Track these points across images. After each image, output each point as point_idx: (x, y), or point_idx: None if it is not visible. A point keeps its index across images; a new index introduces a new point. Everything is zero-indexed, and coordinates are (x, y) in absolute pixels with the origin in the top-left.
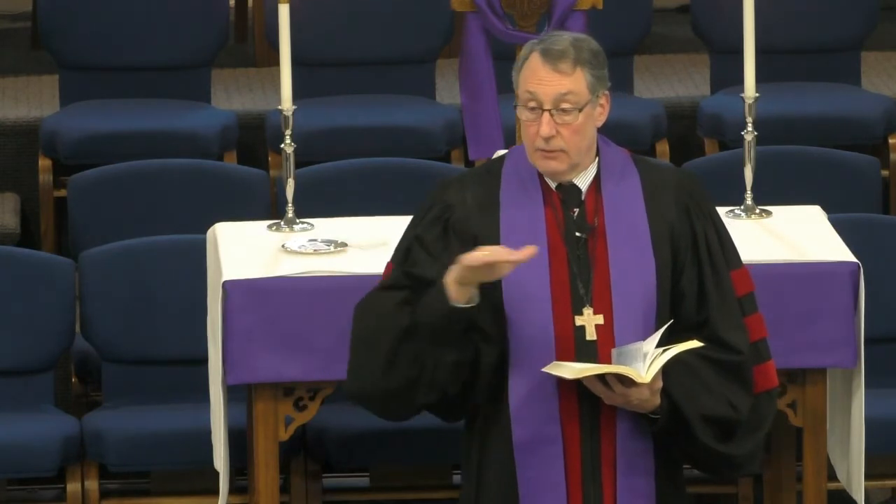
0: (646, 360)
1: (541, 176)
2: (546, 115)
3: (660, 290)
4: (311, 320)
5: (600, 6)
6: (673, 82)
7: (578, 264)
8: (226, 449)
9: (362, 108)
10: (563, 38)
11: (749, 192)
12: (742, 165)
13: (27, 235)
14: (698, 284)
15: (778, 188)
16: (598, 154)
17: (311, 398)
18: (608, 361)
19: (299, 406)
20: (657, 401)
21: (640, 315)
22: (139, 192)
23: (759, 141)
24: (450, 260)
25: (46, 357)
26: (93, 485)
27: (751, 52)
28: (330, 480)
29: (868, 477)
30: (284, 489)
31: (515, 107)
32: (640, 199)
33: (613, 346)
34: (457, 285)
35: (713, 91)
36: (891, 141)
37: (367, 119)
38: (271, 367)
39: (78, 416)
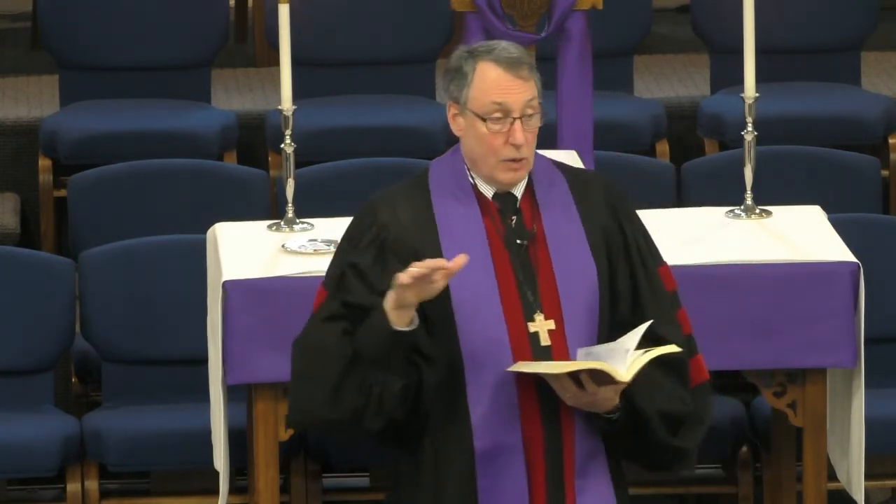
0: (627, 358)
1: (475, 186)
2: (518, 122)
3: (601, 293)
4: None
5: (600, 6)
6: (673, 82)
7: (523, 271)
8: (226, 449)
9: (362, 108)
10: (508, 46)
11: (749, 192)
12: (742, 165)
13: (27, 235)
14: (631, 284)
15: (778, 188)
16: None
17: None
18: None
19: None
20: (617, 400)
21: (586, 318)
22: (139, 192)
23: (759, 141)
24: (386, 284)
25: (46, 357)
26: (93, 485)
27: (751, 52)
28: (330, 480)
29: (868, 477)
30: (284, 489)
31: (484, 119)
32: (572, 204)
33: (566, 351)
34: (396, 310)
35: (713, 91)
36: (891, 141)
37: (367, 119)
38: (271, 367)
39: (78, 416)
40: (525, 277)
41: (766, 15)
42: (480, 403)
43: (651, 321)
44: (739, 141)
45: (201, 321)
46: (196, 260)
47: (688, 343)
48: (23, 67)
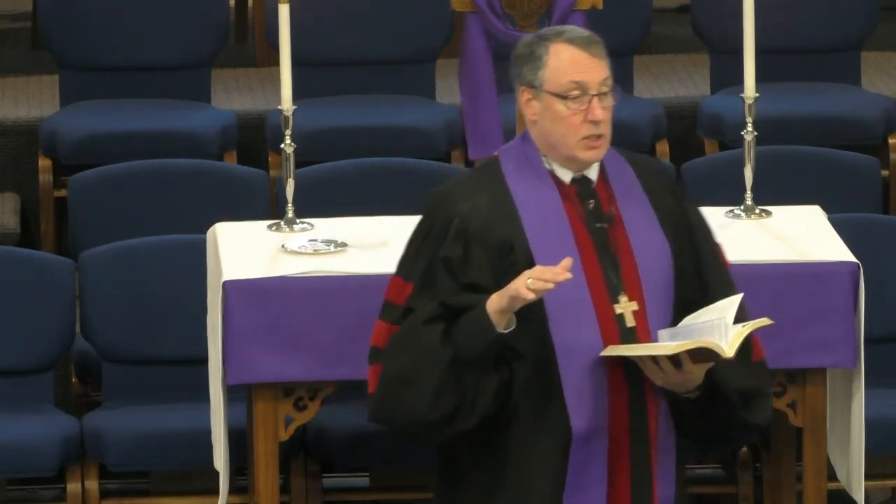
0: (727, 334)
1: (552, 172)
2: (595, 99)
3: (675, 273)
4: (311, 320)
5: (600, 6)
6: (673, 82)
7: (605, 254)
8: (226, 449)
9: (362, 108)
10: (576, 28)
11: (749, 192)
12: (742, 165)
13: (27, 235)
14: (695, 262)
15: (778, 188)
16: None
17: (311, 398)
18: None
19: (299, 406)
20: (701, 379)
21: (664, 298)
22: (139, 192)
23: (759, 141)
24: (473, 276)
25: (46, 357)
26: (93, 485)
27: (751, 52)
28: (330, 480)
29: (868, 477)
30: (284, 489)
31: (563, 97)
32: (640, 186)
33: (649, 331)
34: (500, 313)
35: (713, 91)
36: (891, 141)
37: (367, 119)
38: (271, 367)
39: (78, 416)
40: (608, 260)
41: (766, 15)
42: (574, 386)
43: (742, 294)
44: (739, 141)
45: (201, 321)
46: (196, 260)
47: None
48: (23, 67)
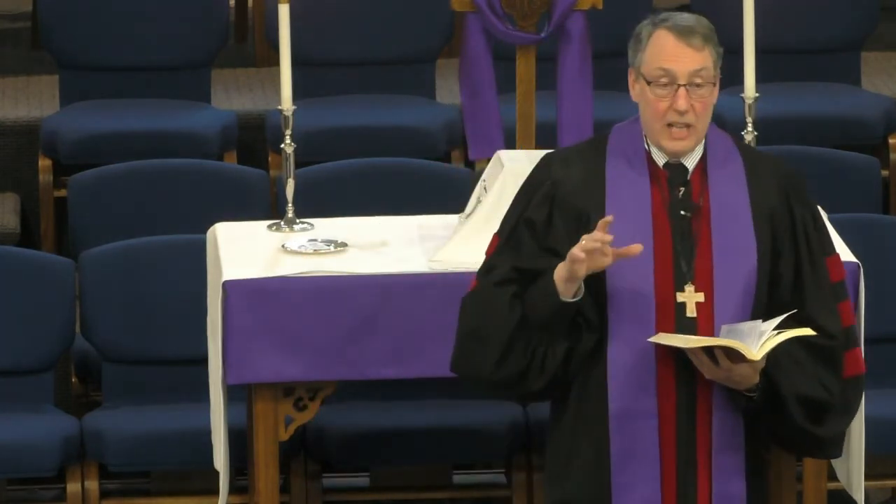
0: (760, 339)
1: (649, 153)
2: (682, 89)
3: (759, 272)
4: (311, 320)
5: (600, 6)
6: None
7: (682, 242)
8: (226, 449)
9: (362, 108)
10: (687, 16)
11: None
12: None
13: (27, 235)
14: (795, 269)
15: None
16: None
17: (311, 398)
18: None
19: (299, 406)
20: (756, 378)
21: (739, 295)
22: (139, 192)
23: (759, 141)
24: (552, 242)
25: (46, 357)
26: (93, 485)
27: (751, 52)
28: (330, 480)
29: (868, 477)
30: (284, 489)
31: (648, 84)
32: (744, 182)
33: (712, 325)
34: (565, 281)
35: None
36: (891, 141)
37: (367, 119)
38: (271, 367)
39: (78, 416)
40: (682, 249)
41: (766, 15)
42: (619, 365)
43: (795, 311)
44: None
45: (201, 321)
46: (196, 260)
47: (846, 334)
48: (23, 67)
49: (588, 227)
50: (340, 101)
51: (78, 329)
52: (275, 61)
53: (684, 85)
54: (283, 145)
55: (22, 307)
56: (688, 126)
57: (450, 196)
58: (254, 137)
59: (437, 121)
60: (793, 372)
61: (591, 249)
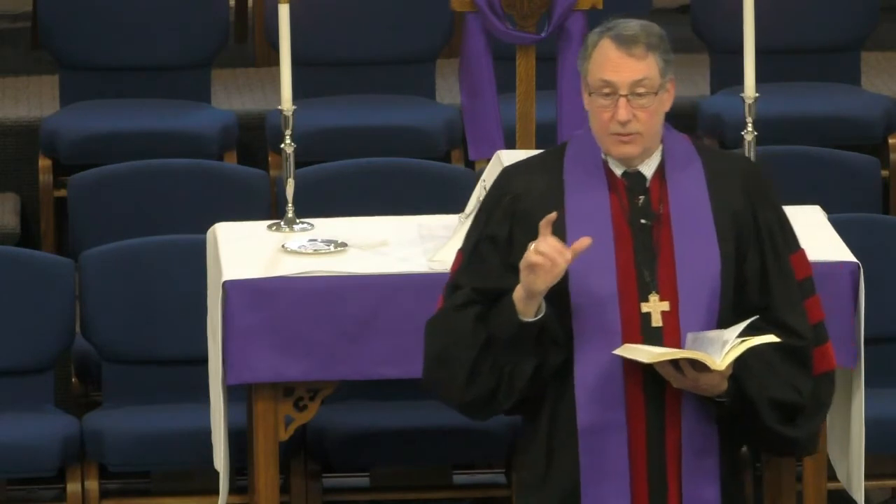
0: (724, 348)
1: (606, 163)
2: (622, 100)
3: (724, 277)
4: (311, 320)
5: (600, 6)
6: None
7: (644, 251)
8: (226, 449)
9: (362, 108)
10: (633, 25)
11: None
12: None
13: (27, 235)
14: (760, 270)
15: (778, 188)
16: (661, 141)
17: (311, 398)
18: (677, 347)
19: (299, 406)
20: (725, 385)
21: (705, 302)
22: (139, 192)
23: (759, 141)
24: (515, 257)
25: (46, 357)
26: (93, 485)
27: (751, 52)
28: (330, 480)
29: (868, 477)
30: (284, 489)
31: (590, 94)
32: (704, 186)
33: (679, 334)
34: (524, 300)
35: (713, 91)
36: (891, 141)
37: (367, 119)
38: (271, 367)
39: (78, 416)
40: (644, 258)
41: (766, 15)
42: (586, 379)
43: (755, 318)
44: (739, 141)
45: (201, 321)
46: (196, 260)
47: (815, 331)
48: (23, 67)
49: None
50: (340, 101)
51: (78, 329)
52: (275, 61)
53: (625, 95)
54: (283, 145)
55: (22, 307)
56: (632, 132)
57: (450, 196)
58: (254, 137)
59: (437, 121)
60: (762, 376)
61: (535, 264)
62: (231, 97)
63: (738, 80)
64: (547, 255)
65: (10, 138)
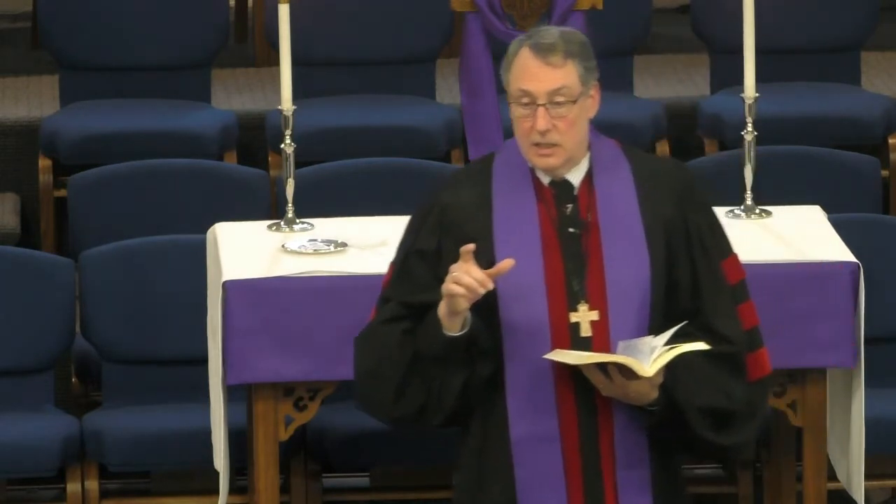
0: (652, 355)
1: (533, 172)
2: (541, 109)
3: (654, 284)
4: (311, 320)
5: (600, 6)
6: (673, 82)
7: (573, 260)
8: (226, 449)
9: (362, 108)
10: (552, 32)
11: (749, 192)
12: (742, 165)
13: (27, 235)
14: (691, 275)
15: (778, 188)
16: (589, 148)
17: (311, 398)
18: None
19: (299, 406)
20: (655, 394)
21: (634, 309)
22: (139, 192)
23: (759, 141)
24: (446, 269)
25: (46, 357)
26: (93, 485)
27: (751, 52)
28: (330, 480)
29: (868, 477)
30: (284, 489)
31: (510, 104)
32: (633, 191)
33: (608, 343)
34: (448, 316)
35: (713, 91)
36: (891, 141)
37: (367, 119)
38: (271, 367)
39: (78, 416)
40: (573, 267)
41: (766, 15)
42: (517, 391)
43: (685, 323)
44: (739, 141)
45: (201, 321)
46: (196, 260)
47: (749, 336)
48: (23, 67)
49: (477, 252)
50: (340, 101)
51: (78, 329)
52: (275, 61)
53: (544, 105)
54: (283, 145)
55: (22, 307)
56: (553, 145)
57: None
58: (254, 137)
59: (437, 121)
60: (692, 384)
61: (454, 293)
62: (231, 97)
63: (738, 80)
64: (467, 286)
65: (10, 138)
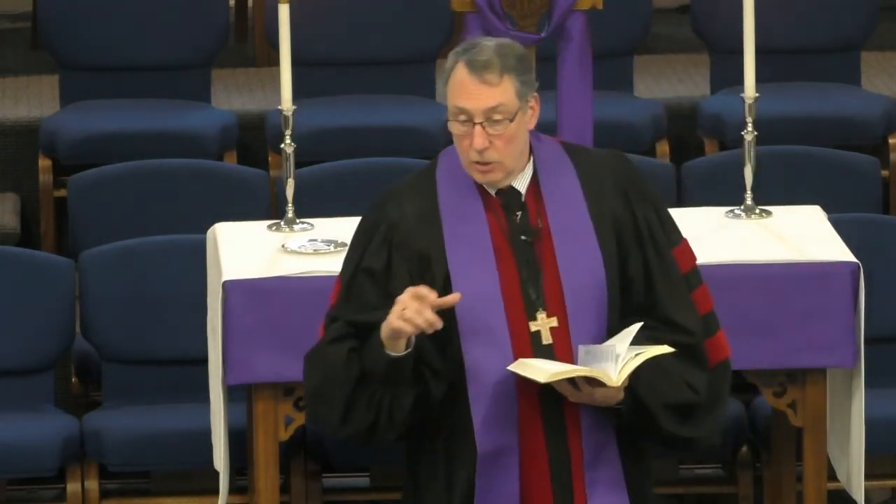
0: (617, 363)
1: (478, 183)
2: (478, 128)
3: (609, 284)
4: (311, 320)
5: (600, 6)
6: (673, 82)
7: (527, 268)
8: (226, 449)
9: (362, 108)
10: (487, 47)
11: (749, 192)
12: (742, 165)
13: (27, 235)
14: (644, 269)
15: (778, 188)
16: (531, 153)
17: None
18: (569, 362)
19: (299, 406)
20: (621, 396)
21: (592, 312)
22: (139, 192)
23: (759, 141)
24: (394, 287)
25: (46, 357)
26: (93, 485)
27: (751, 52)
28: (330, 480)
29: (868, 477)
30: (284, 489)
31: (448, 120)
32: (580, 192)
33: (570, 348)
34: (390, 339)
35: (713, 91)
36: (891, 141)
37: (367, 119)
38: (271, 367)
39: (78, 416)
40: (529, 275)
41: (766, 15)
42: (482, 404)
43: (641, 324)
44: (739, 141)
45: (201, 321)
46: (196, 260)
47: (705, 322)
48: (23, 67)
49: (431, 269)
50: (340, 101)
51: (78, 329)
52: (275, 61)
53: (481, 123)
54: (283, 145)
55: (22, 307)
56: (493, 161)
57: None
58: (254, 137)
59: (437, 121)
60: (656, 382)
61: (398, 330)
62: (231, 97)
63: (738, 80)
64: (416, 326)
65: (10, 138)
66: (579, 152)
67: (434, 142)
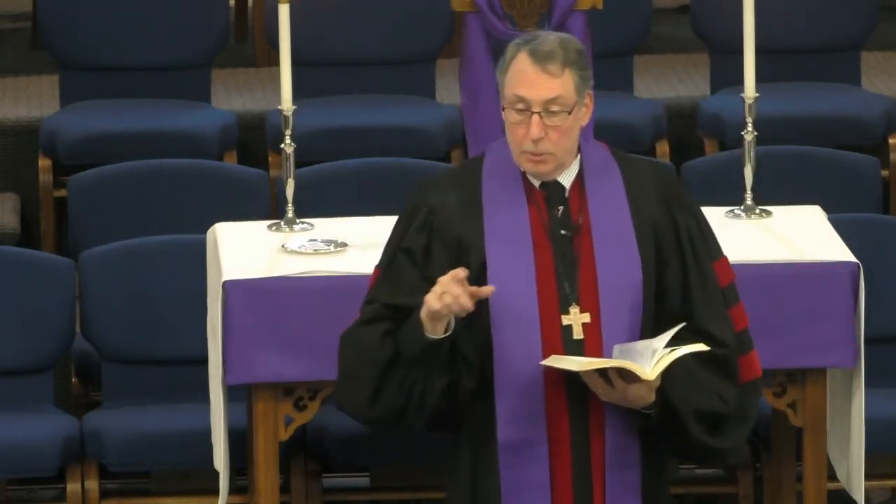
0: (653, 358)
1: (524, 175)
2: (535, 117)
3: (645, 286)
4: (311, 320)
5: (600, 6)
6: (673, 82)
7: (564, 263)
8: (226, 449)
9: (362, 108)
10: (550, 39)
11: (749, 192)
12: (742, 165)
13: (27, 235)
14: (682, 278)
15: (778, 188)
16: (579, 151)
17: (311, 398)
18: (599, 358)
19: (299, 406)
20: (652, 397)
21: (626, 312)
22: (139, 192)
23: (759, 141)
24: (432, 271)
25: (46, 357)
26: (93, 485)
27: (751, 52)
28: (330, 480)
29: (868, 477)
30: (284, 489)
31: (504, 108)
32: (623, 195)
33: (600, 345)
34: (430, 320)
35: (713, 91)
36: (891, 141)
37: (367, 119)
38: (271, 367)
39: (78, 416)
40: (565, 269)
41: (766, 15)
42: (507, 394)
43: (683, 324)
44: (739, 141)
45: (201, 321)
46: (196, 260)
47: (739, 339)
48: (23, 67)
49: (468, 255)
50: (340, 101)
51: (78, 329)
52: (275, 61)
53: (538, 112)
54: (283, 145)
55: (22, 307)
56: (544, 153)
57: None
58: (254, 137)
59: (437, 121)
60: (688, 387)
61: (440, 309)
62: (231, 97)
63: (738, 80)
64: (451, 310)
65: (10, 138)
66: (626, 158)
67: (434, 142)
